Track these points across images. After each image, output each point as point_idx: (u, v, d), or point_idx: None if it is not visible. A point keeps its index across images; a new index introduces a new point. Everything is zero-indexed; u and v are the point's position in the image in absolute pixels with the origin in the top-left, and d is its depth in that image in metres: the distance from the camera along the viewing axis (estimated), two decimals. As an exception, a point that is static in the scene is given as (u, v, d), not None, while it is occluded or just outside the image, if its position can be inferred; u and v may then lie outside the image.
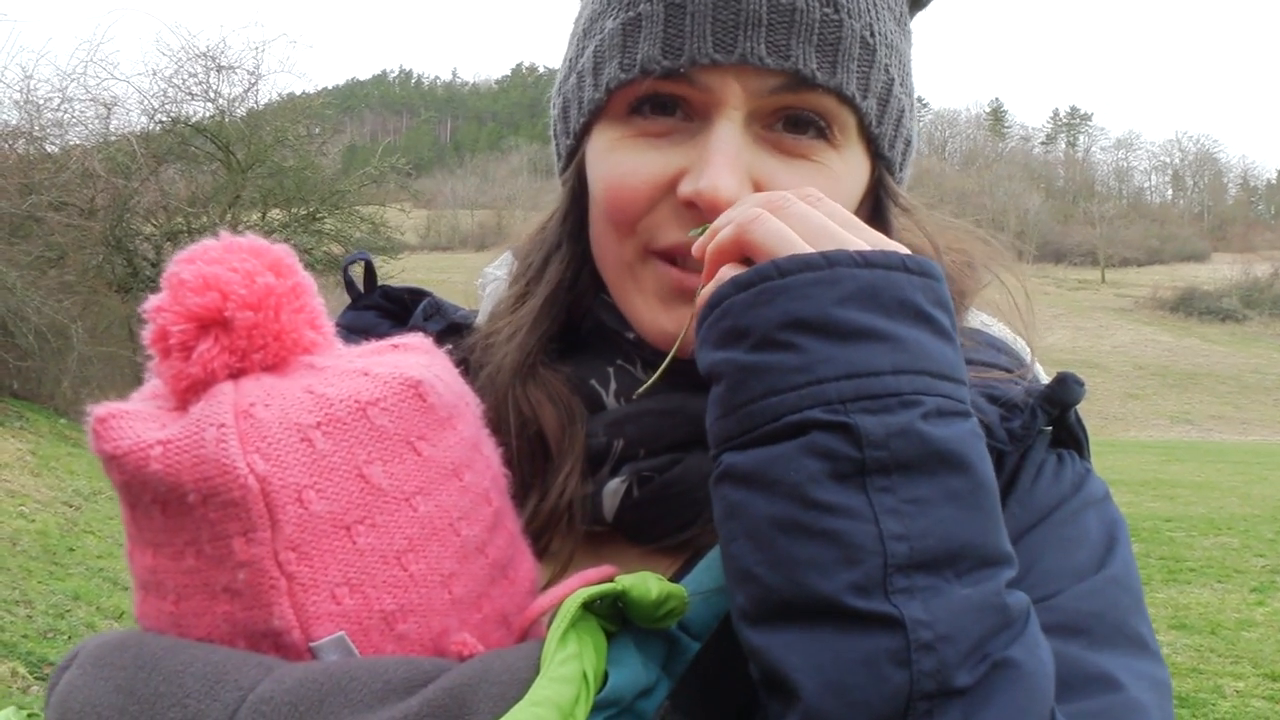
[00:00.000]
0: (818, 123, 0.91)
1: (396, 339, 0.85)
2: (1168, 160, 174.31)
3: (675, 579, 0.82)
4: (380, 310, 1.13)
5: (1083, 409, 0.94)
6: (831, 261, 0.75)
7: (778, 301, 0.74)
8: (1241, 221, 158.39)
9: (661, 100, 0.92)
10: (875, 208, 1.00)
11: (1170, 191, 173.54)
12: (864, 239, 0.80)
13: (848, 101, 0.91)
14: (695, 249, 0.85)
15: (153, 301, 0.74)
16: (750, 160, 0.90)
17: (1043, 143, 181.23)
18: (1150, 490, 19.22)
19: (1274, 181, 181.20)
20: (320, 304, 0.80)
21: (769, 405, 0.73)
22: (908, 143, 1.03)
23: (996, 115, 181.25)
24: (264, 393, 0.72)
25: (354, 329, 1.08)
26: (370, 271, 1.14)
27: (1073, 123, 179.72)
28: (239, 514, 0.68)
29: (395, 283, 1.18)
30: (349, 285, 1.15)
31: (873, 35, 0.92)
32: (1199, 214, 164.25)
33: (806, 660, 0.69)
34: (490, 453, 0.84)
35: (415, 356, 0.81)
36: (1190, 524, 14.65)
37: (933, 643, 0.67)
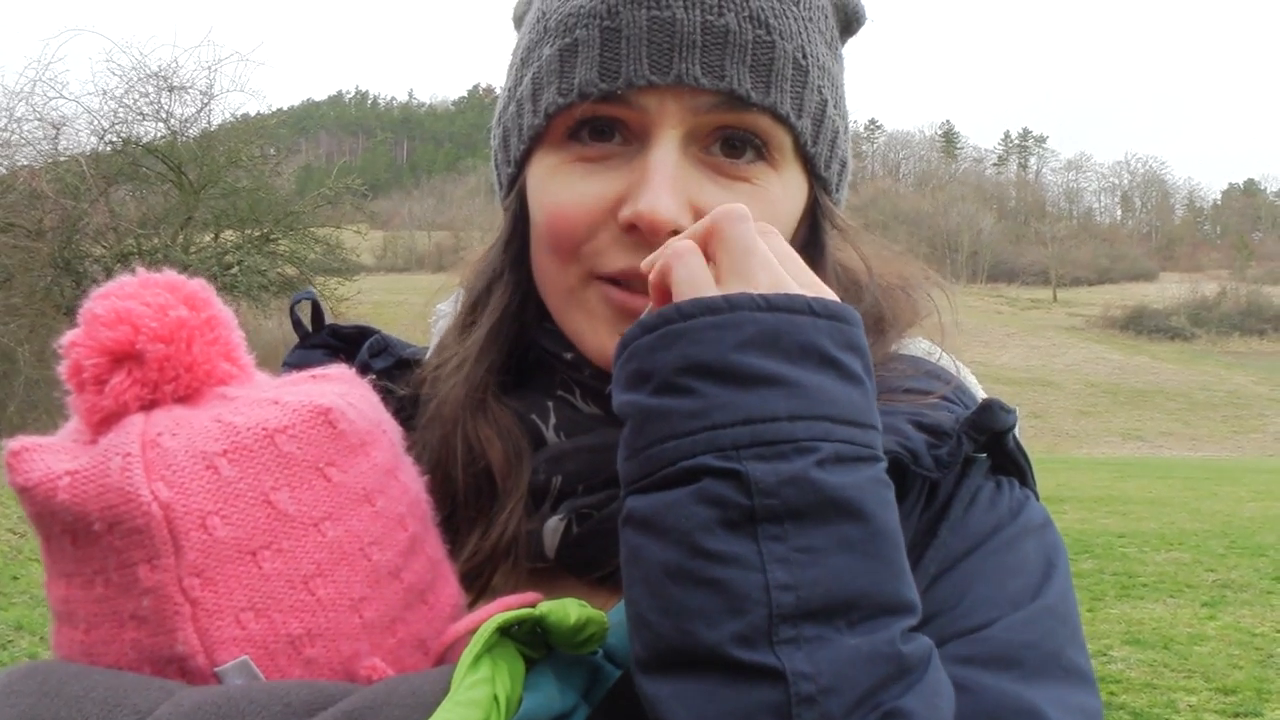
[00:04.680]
0: (754, 142, 0.93)
1: (317, 370, 0.86)
2: (1116, 181, 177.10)
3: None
4: (328, 349, 1.13)
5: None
6: (733, 305, 0.74)
7: (677, 345, 0.74)
8: (1188, 241, 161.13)
9: (599, 125, 0.93)
10: (812, 228, 1.01)
11: (1119, 212, 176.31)
12: (796, 275, 0.80)
13: (782, 120, 0.93)
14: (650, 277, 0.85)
15: (68, 337, 0.75)
16: (689, 183, 0.91)
17: (995, 164, 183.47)
18: (1103, 507, 19.43)
19: (1219, 202, 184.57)
20: (238, 337, 0.81)
21: (666, 450, 0.73)
22: (843, 164, 1.04)
23: (949, 137, 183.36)
24: (172, 422, 0.73)
25: (300, 368, 1.07)
26: (318, 310, 1.14)
27: (1024, 144, 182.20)
28: (143, 541, 0.69)
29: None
30: (296, 324, 1.14)
31: (805, 57, 0.94)
32: (1147, 234, 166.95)
33: (691, 711, 0.68)
34: (409, 479, 0.85)
35: (331, 385, 0.82)
36: (1143, 540, 14.83)
37: (815, 695, 0.67)
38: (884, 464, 0.76)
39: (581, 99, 0.91)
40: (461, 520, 0.97)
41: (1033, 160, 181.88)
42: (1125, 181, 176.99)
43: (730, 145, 0.93)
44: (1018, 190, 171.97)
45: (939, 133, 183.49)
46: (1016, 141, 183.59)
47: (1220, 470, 32.34)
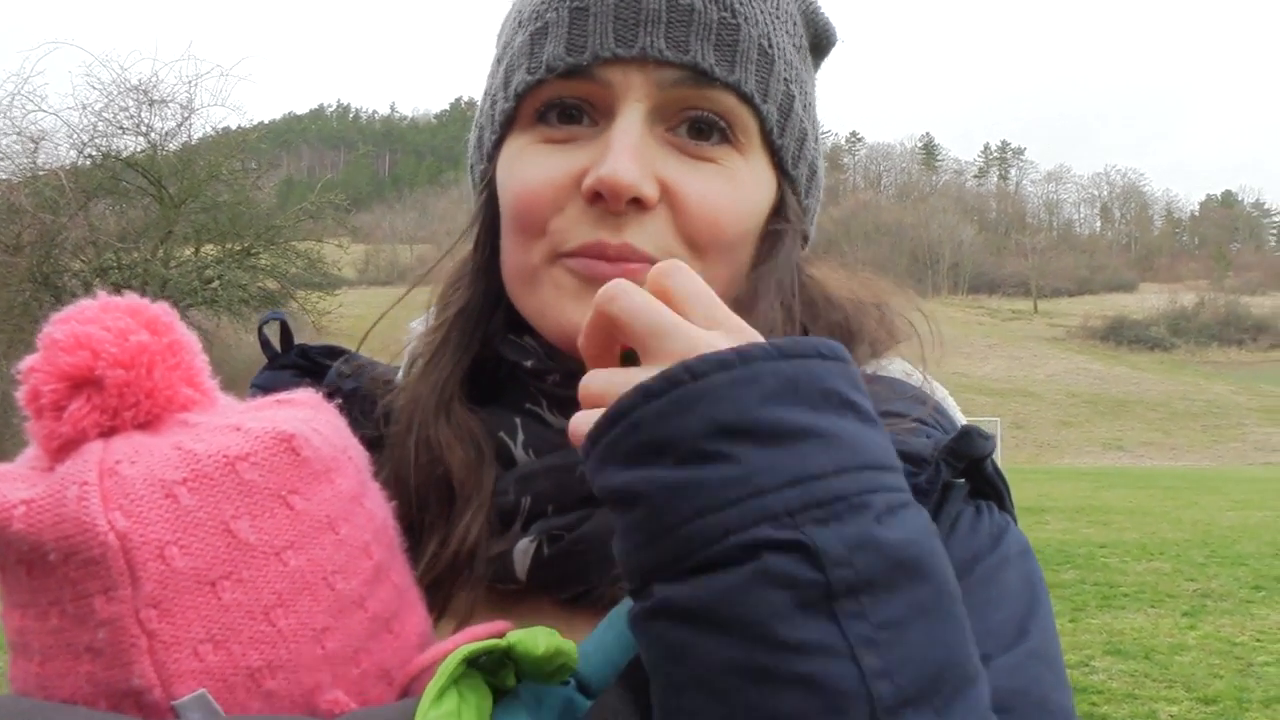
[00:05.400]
0: (719, 125, 0.93)
1: (282, 394, 0.85)
2: (1096, 193, 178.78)
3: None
4: (297, 369, 1.11)
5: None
6: (745, 357, 0.68)
7: (698, 408, 0.66)
8: (1167, 252, 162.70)
9: (567, 109, 0.93)
10: (769, 228, 1.00)
11: (1099, 223, 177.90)
12: (725, 322, 0.75)
13: (747, 100, 0.93)
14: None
15: (26, 362, 0.74)
16: (654, 158, 0.91)
17: (975, 176, 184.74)
18: (1085, 517, 19.53)
19: (1197, 213, 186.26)
20: (201, 361, 0.80)
21: (707, 526, 0.64)
22: (813, 170, 1.04)
23: (929, 149, 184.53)
24: (132, 450, 0.71)
25: (269, 389, 1.05)
26: (286, 331, 1.13)
27: (1004, 156, 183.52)
28: (99, 572, 0.68)
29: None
30: (264, 345, 1.13)
31: (770, 45, 0.95)
32: (1126, 245, 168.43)
33: None
34: (374, 505, 0.84)
35: (296, 411, 0.81)
36: (1124, 549, 14.91)
37: None
38: (922, 509, 0.72)
39: (549, 73, 0.92)
40: (423, 526, 0.96)
41: (1013, 172, 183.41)
42: (1104, 193, 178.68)
43: (696, 129, 0.93)
44: (998, 202, 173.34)
45: (919, 145, 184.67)
46: (996, 154, 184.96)
47: (1200, 479, 32.53)
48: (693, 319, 0.73)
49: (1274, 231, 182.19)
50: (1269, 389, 76.53)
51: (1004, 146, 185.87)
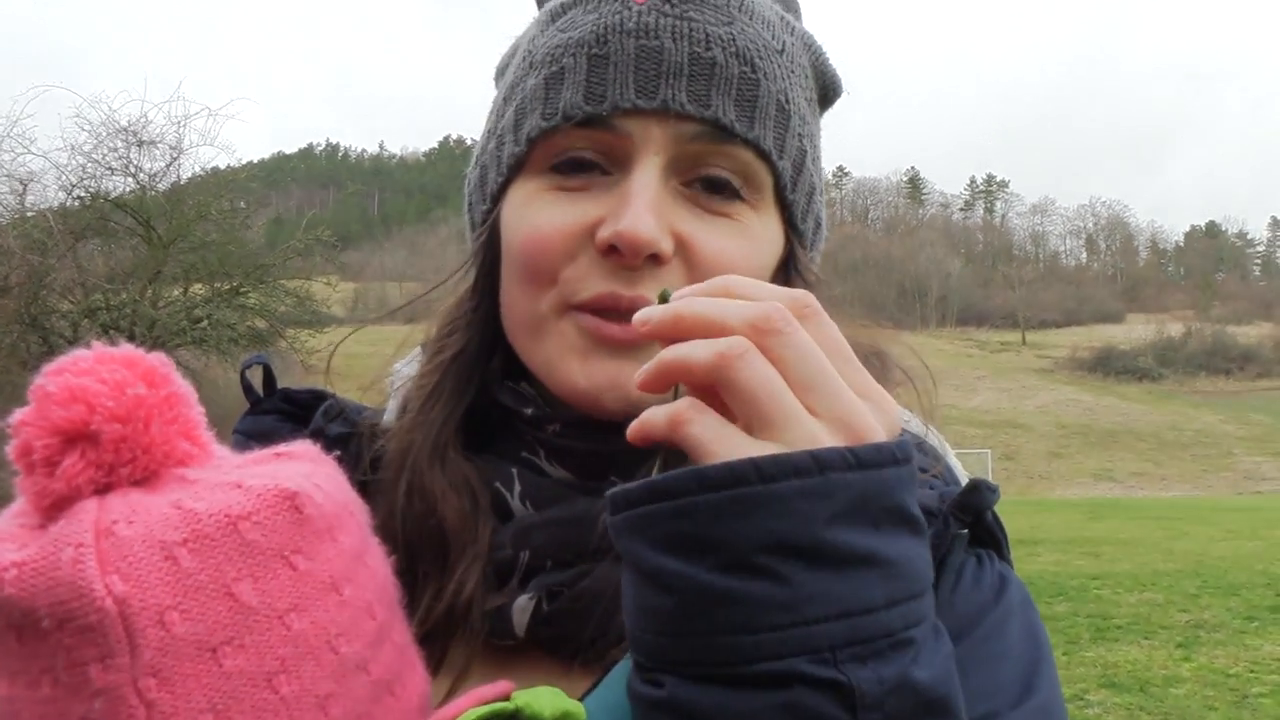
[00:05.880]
0: (733, 184, 0.92)
1: (281, 447, 0.82)
2: (1081, 225, 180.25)
3: (590, 693, 0.79)
4: (281, 414, 1.09)
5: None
6: (823, 466, 0.62)
7: (757, 516, 0.61)
8: (1153, 283, 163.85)
9: (581, 163, 0.92)
10: (785, 283, 0.99)
11: (1085, 255, 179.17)
12: (856, 381, 0.69)
13: (765, 157, 0.92)
14: (643, 325, 0.70)
15: (17, 415, 0.71)
16: (670, 212, 0.89)
17: (961, 209, 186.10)
18: (1077, 548, 19.52)
19: (1182, 244, 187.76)
20: (198, 413, 0.77)
21: (740, 644, 0.61)
22: (818, 223, 1.04)
23: (914, 183, 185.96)
24: (128, 509, 0.68)
25: (252, 434, 1.04)
26: (269, 375, 1.11)
27: (989, 189, 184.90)
28: (96, 639, 0.64)
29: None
30: (247, 390, 1.10)
31: (788, 101, 0.94)
32: (1112, 276, 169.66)
33: None
34: (376, 562, 0.81)
35: (296, 465, 0.78)
36: (1116, 581, 14.89)
37: None
38: (944, 633, 0.68)
39: (565, 120, 0.90)
40: (417, 578, 0.93)
41: (998, 205, 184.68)
42: (1089, 225, 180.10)
43: (710, 185, 0.92)
44: (984, 234, 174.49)
45: (904, 179, 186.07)
46: (982, 187, 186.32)
47: (1191, 509, 32.55)
48: (811, 401, 0.66)
49: (1258, 261, 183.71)
50: (1257, 418, 76.82)
51: (989, 179, 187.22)
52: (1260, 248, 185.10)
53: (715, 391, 0.67)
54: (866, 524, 0.63)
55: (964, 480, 0.94)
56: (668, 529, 0.63)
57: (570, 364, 0.90)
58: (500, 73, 1.08)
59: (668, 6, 0.91)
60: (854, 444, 0.65)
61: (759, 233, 0.94)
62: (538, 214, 0.92)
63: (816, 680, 0.60)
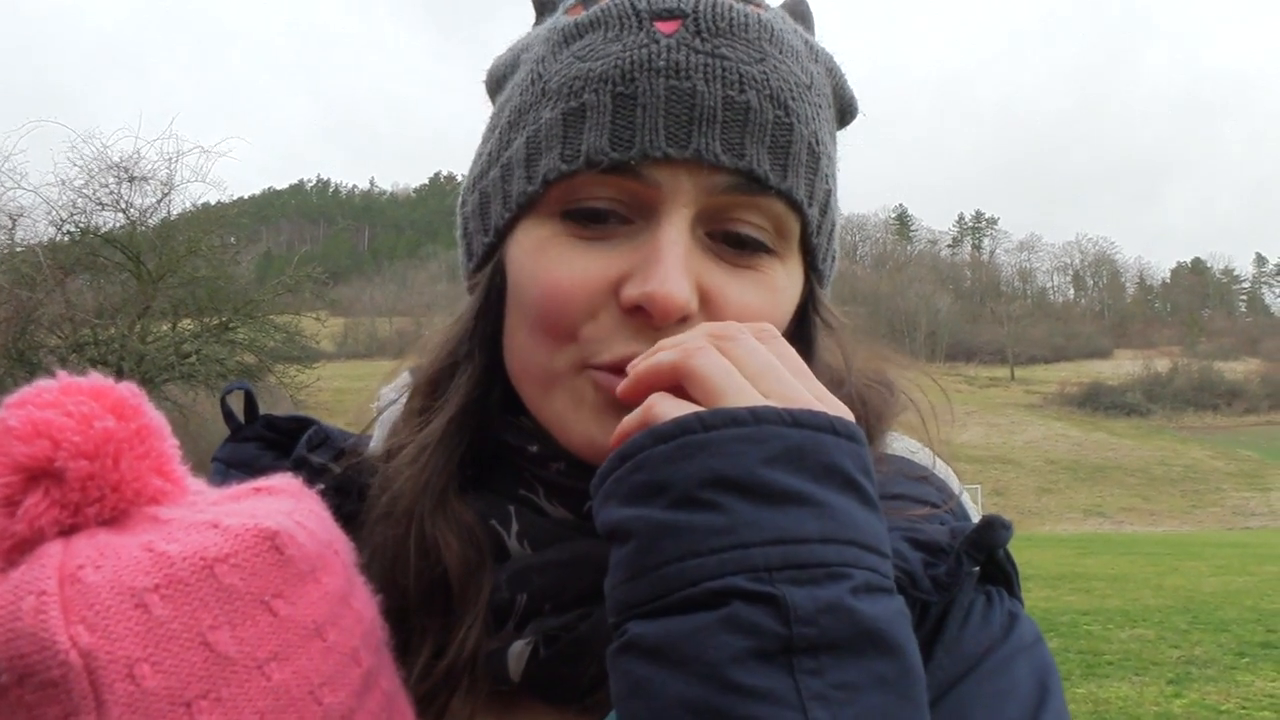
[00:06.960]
0: (757, 239, 0.87)
1: (261, 481, 0.78)
2: (1068, 261, 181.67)
3: None
4: (263, 441, 1.04)
5: (998, 504, 0.91)
6: (759, 418, 0.69)
7: (700, 457, 0.68)
8: (1140, 319, 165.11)
9: (598, 213, 0.86)
10: (801, 322, 0.96)
11: (1072, 291, 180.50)
12: (811, 389, 0.75)
13: (796, 207, 0.88)
14: (629, 366, 0.79)
15: None
16: (696, 263, 0.85)
17: (949, 245, 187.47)
18: (1067, 584, 19.49)
19: (1169, 280, 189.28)
20: (171, 446, 0.72)
21: (686, 569, 0.66)
22: (834, 257, 1.00)
23: (902, 220, 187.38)
24: (96, 553, 0.64)
25: (233, 463, 1.00)
26: (251, 401, 1.06)
27: (977, 226, 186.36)
28: (59, 696, 0.60)
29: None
30: (228, 416, 1.05)
31: (818, 143, 0.90)
32: (1100, 312, 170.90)
33: None
34: (361, 604, 0.77)
35: (276, 502, 0.74)
36: (1106, 617, 14.85)
37: None
38: (901, 599, 0.70)
39: (589, 167, 0.84)
40: (414, 629, 0.89)
41: (986, 241, 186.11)
42: (1076, 261, 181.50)
43: (735, 240, 0.87)
44: (972, 270, 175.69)
45: (892, 215, 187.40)
46: (970, 223, 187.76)
47: (1181, 544, 32.60)
48: (761, 387, 0.73)
49: (1244, 298, 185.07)
50: (1245, 453, 77.12)
51: (977, 216, 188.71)
52: (1246, 284, 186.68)
53: (683, 390, 0.74)
54: (803, 473, 0.68)
55: (975, 516, 0.91)
56: (629, 485, 0.70)
57: (585, 421, 0.86)
58: (497, 82, 1.02)
59: (699, 41, 0.85)
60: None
61: (783, 285, 0.90)
62: (556, 265, 0.86)
63: (753, 594, 0.64)
